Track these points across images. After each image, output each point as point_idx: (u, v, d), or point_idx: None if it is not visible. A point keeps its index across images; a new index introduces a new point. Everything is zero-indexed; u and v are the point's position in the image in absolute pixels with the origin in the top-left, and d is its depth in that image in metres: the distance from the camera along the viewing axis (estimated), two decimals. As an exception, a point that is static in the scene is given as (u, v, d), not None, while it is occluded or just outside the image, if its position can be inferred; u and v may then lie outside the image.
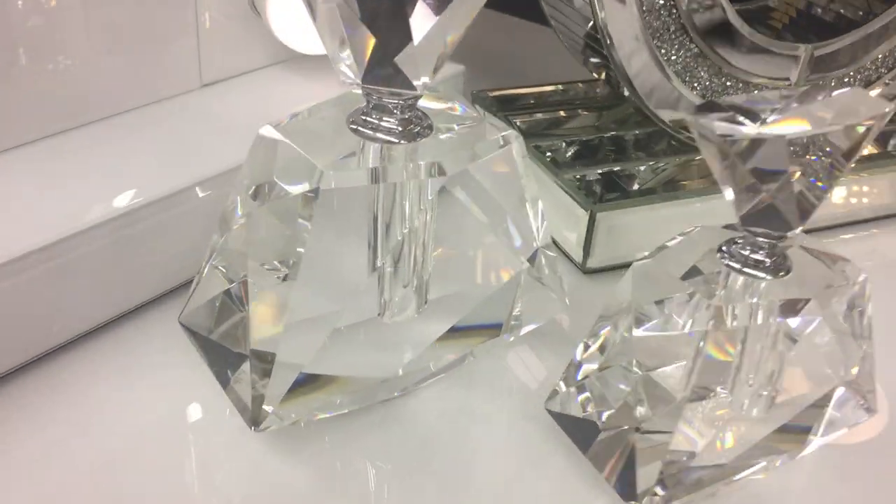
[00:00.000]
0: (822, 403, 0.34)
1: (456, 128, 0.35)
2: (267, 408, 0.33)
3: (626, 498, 0.33)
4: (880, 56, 0.51)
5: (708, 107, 0.29)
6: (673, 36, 0.46)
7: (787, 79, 0.49)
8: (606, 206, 0.44)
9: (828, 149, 0.29)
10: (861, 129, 0.29)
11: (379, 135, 0.33)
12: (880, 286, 0.37)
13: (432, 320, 0.37)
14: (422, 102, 0.35)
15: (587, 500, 0.34)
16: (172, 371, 0.38)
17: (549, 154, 0.49)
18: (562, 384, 0.36)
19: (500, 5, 0.67)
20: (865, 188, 0.52)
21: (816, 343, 0.33)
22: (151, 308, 0.42)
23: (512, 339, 0.40)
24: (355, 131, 0.33)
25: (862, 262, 0.35)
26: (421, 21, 0.30)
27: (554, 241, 0.39)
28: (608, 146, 0.51)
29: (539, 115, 0.54)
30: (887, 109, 0.29)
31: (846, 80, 0.51)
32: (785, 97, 0.30)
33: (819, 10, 0.53)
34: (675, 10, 0.45)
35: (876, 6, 0.50)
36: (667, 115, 0.48)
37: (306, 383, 0.34)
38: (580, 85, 0.58)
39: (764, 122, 0.29)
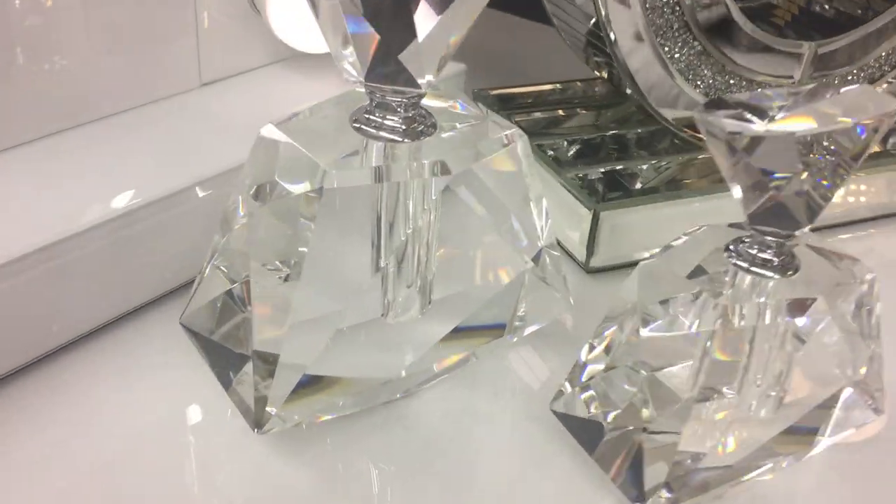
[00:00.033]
0: (829, 404, 0.34)
1: (459, 126, 0.35)
2: (270, 410, 0.33)
3: (632, 499, 0.33)
4: (884, 54, 0.51)
5: (715, 104, 0.29)
6: (676, 34, 0.46)
7: (791, 77, 0.49)
8: (610, 205, 0.44)
9: (835, 147, 0.29)
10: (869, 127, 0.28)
11: (382, 133, 0.33)
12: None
13: (436, 321, 0.37)
14: (424, 101, 0.35)
15: (592, 502, 0.34)
16: (173, 372, 0.38)
17: (550, 153, 0.49)
18: (567, 385, 0.36)
19: (500, 4, 0.67)
20: (863, 187, 0.52)
21: (825, 343, 0.33)
22: (152, 309, 0.41)
23: (515, 339, 0.40)
24: (358, 130, 0.33)
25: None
26: (425, 18, 0.30)
27: (556, 241, 0.39)
28: (610, 145, 0.51)
29: (537, 115, 0.54)
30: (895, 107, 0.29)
31: (849, 77, 0.51)
32: (793, 94, 0.30)
33: (821, 8, 0.53)
34: (678, 8, 0.45)
35: (877, 4, 0.50)
36: (670, 114, 0.48)
37: (309, 385, 0.34)
38: (578, 84, 0.58)
39: (772, 119, 0.28)
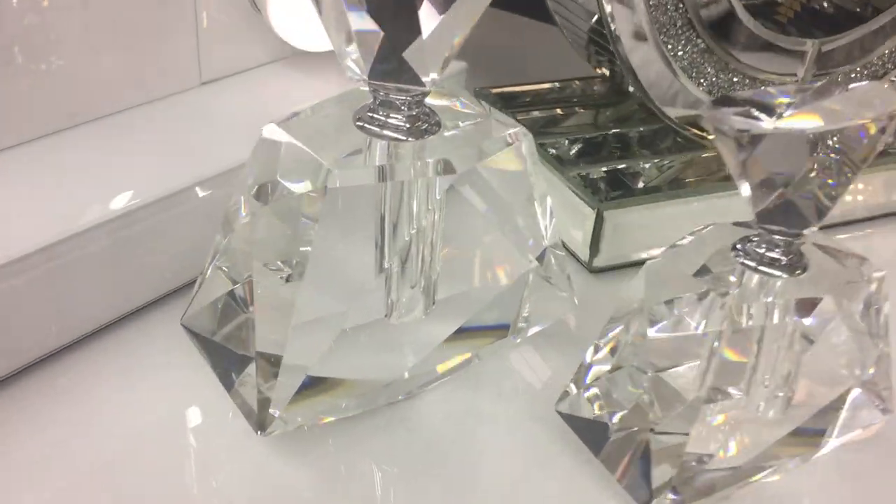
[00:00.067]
0: (837, 405, 0.34)
1: (462, 125, 0.35)
2: (273, 412, 0.33)
3: (639, 500, 0.32)
4: (887, 51, 0.50)
5: (724, 101, 0.29)
6: (679, 31, 0.45)
7: (794, 74, 0.49)
8: (614, 204, 0.44)
9: (843, 145, 0.28)
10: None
11: (386, 132, 0.32)
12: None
13: (439, 321, 0.37)
14: (426, 99, 0.34)
15: (597, 503, 0.33)
16: (174, 373, 0.38)
17: (551, 151, 0.49)
18: (572, 386, 0.35)
19: (501, 3, 0.67)
20: (860, 187, 0.51)
21: (833, 343, 0.32)
22: (153, 309, 0.41)
23: (519, 340, 0.39)
24: (362, 128, 0.33)
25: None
26: (429, 15, 0.29)
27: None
28: (612, 143, 0.51)
29: (536, 113, 0.54)
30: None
31: (853, 75, 0.51)
32: (801, 91, 0.30)
33: (823, 5, 0.53)
34: (681, 5, 0.45)
35: (878, 1, 0.49)
36: (673, 112, 0.47)
37: (312, 386, 0.33)
38: (577, 82, 0.57)
39: (780, 116, 0.28)
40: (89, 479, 0.33)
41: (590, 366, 0.35)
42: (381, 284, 0.35)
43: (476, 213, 0.36)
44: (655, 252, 0.45)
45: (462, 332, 0.37)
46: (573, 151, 0.50)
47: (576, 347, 0.39)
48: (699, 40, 0.46)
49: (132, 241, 0.38)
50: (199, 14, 0.47)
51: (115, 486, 0.33)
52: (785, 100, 0.29)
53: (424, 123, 0.33)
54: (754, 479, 0.33)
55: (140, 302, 0.40)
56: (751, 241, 0.32)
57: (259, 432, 0.33)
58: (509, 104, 0.54)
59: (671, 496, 0.32)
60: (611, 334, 0.35)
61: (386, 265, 0.34)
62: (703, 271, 0.32)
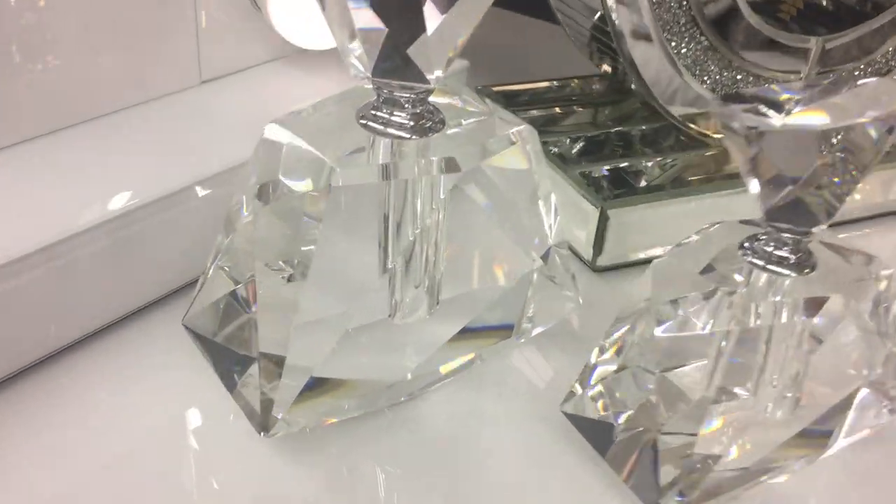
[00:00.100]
0: (845, 405, 0.34)
1: (465, 123, 0.34)
2: (276, 413, 0.32)
3: (646, 501, 0.32)
4: (891, 49, 0.50)
5: (732, 97, 0.28)
6: (683, 29, 0.45)
7: (798, 72, 0.48)
8: (617, 203, 0.44)
9: (850, 143, 0.28)
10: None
11: (390, 130, 0.32)
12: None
13: (443, 322, 0.36)
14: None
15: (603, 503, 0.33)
16: (176, 374, 0.37)
17: (553, 150, 0.48)
18: (577, 386, 0.35)
19: (502, 1, 0.66)
20: (858, 186, 0.51)
21: (842, 342, 0.32)
22: (154, 310, 0.41)
23: (523, 340, 0.39)
24: (365, 126, 0.32)
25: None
26: (434, 11, 0.29)
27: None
28: (615, 142, 0.51)
29: (535, 112, 0.53)
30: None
31: (856, 73, 0.50)
32: (809, 87, 0.29)
33: (825, 2, 0.52)
34: (685, 3, 0.45)
35: (882, -2, 0.49)
36: (676, 110, 0.47)
37: (315, 387, 0.33)
38: (575, 81, 0.57)
39: (789, 112, 0.28)
40: (90, 481, 0.33)
41: (595, 366, 0.35)
42: (384, 284, 0.34)
43: (480, 212, 0.35)
44: (658, 251, 0.45)
45: (466, 333, 0.37)
46: (575, 150, 0.50)
47: (579, 347, 0.39)
48: (703, 38, 0.46)
49: (132, 240, 0.38)
50: (199, 12, 0.46)
51: (116, 487, 0.32)
52: (794, 96, 0.29)
53: (428, 121, 0.33)
54: (761, 479, 0.33)
55: (141, 302, 0.40)
56: (758, 239, 0.32)
57: (262, 434, 0.33)
58: (509, 103, 0.54)
59: (678, 497, 0.31)
60: (616, 334, 0.34)
61: (389, 265, 0.34)
62: (710, 270, 0.32)
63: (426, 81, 0.31)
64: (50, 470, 0.33)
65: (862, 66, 0.50)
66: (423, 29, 0.29)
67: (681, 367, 0.32)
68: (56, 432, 0.34)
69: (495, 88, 0.55)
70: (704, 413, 0.31)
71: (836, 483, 0.35)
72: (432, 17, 0.29)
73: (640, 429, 0.33)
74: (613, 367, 0.34)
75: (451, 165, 0.32)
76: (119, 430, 0.35)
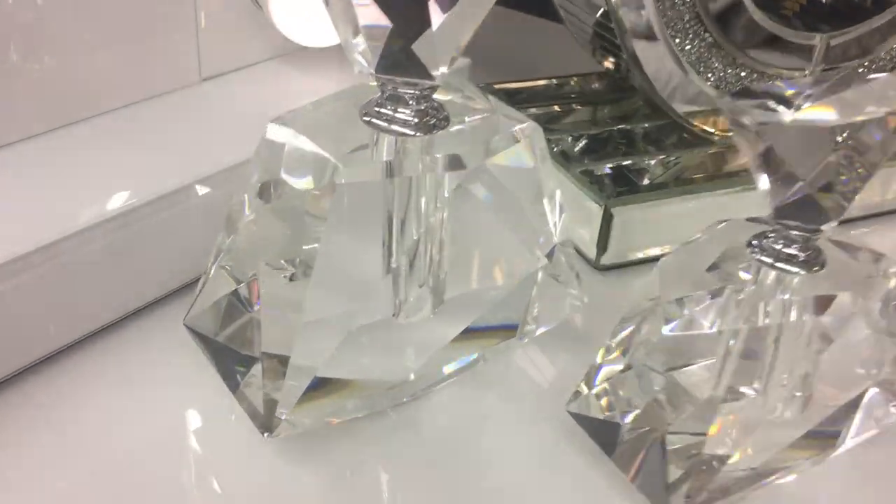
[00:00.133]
0: (853, 405, 0.33)
1: (468, 120, 0.34)
2: (280, 414, 0.32)
3: (653, 501, 0.32)
4: (895, 46, 0.50)
5: (741, 93, 0.28)
6: (687, 25, 0.45)
7: (802, 69, 0.48)
8: (622, 201, 0.43)
9: (864, 138, 0.28)
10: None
11: (394, 127, 0.32)
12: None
13: (446, 321, 0.36)
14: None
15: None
16: (177, 375, 0.37)
17: (555, 148, 0.48)
18: (583, 386, 0.35)
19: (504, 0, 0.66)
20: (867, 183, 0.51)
21: (851, 341, 0.32)
22: (155, 309, 0.40)
23: (526, 340, 0.39)
24: (369, 123, 0.32)
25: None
26: (438, 7, 0.29)
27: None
28: (617, 139, 0.50)
29: (533, 110, 0.53)
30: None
31: (860, 70, 0.50)
32: (818, 83, 0.29)
33: None
34: (689, -1, 0.44)
35: (884, -5, 0.49)
36: (680, 107, 0.47)
37: (319, 387, 0.33)
38: (574, 79, 0.57)
39: (798, 108, 0.28)
40: (90, 481, 0.32)
41: (601, 365, 0.34)
42: (388, 283, 0.34)
43: (485, 210, 0.35)
44: (661, 250, 0.44)
45: (469, 333, 0.37)
46: (577, 148, 0.49)
47: (582, 346, 0.39)
48: (707, 34, 0.45)
49: (132, 239, 0.38)
50: (199, 10, 0.46)
51: (117, 488, 0.32)
52: (803, 92, 0.28)
53: (433, 118, 0.32)
54: (769, 480, 0.33)
55: (141, 302, 0.40)
56: (767, 237, 0.31)
57: (266, 435, 0.32)
58: (509, 101, 0.53)
59: (686, 497, 0.31)
60: (622, 334, 0.34)
61: (393, 264, 0.34)
62: (717, 268, 0.32)
63: (431, 77, 0.31)
64: (50, 470, 0.33)
65: (866, 64, 0.50)
66: (428, 24, 0.29)
67: (688, 366, 0.32)
68: (56, 432, 0.34)
69: (497, 86, 0.55)
70: (713, 413, 0.31)
71: (845, 482, 0.35)
72: (437, 12, 0.29)
73: (647, 428, 0.32)
74: (620, 367, 0.34)
75: (455, 163, 0.32)
76: (120, 431, 0.34)
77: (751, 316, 0.30)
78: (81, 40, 0.41)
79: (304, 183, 0.32)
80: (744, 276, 0.31)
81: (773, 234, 0.31)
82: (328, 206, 0.31)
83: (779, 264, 0.31)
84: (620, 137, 0.51)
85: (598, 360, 0.34)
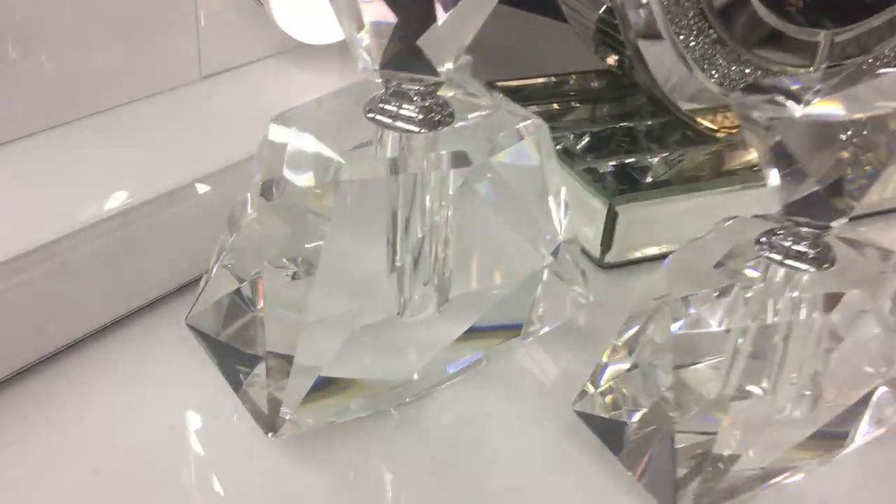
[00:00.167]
0: (862, 403, 0.33)
1: (471, 116, 0.34)
2: (284, 413, 0.32)
3: (661, 500, 0.31)
4: (900, 43, 0.50)
5: (750, 88, 0.28)
6: (691, 22, 0.45)
7: (807, 65, 0.48)
8: (626, 199, 0.43)
9: (875, 132, 0.27)
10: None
11: (398, 123, 0.31)
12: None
13: (450, 321, 0.36)
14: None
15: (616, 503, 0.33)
16: (179, 374, 0.37)
17: (557, 146, 0.48)
18: (589, 385, 0.34)
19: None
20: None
21: (861, 339, 0.31)
22: (156, 308, 0.40)
23: (530, 339, 0.38)
24: (373, 120, 0.32)
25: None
26: (443, 3, 0.28)
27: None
28: (620, 137, 0.50)
29: (533, 108, 0.53)
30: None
31: (864, 67, 0.50)
32: (827, 78, 0.29)
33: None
34: (693, -5, 0.44)
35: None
36: (684, 104, 0.47)
37: (323, 387, 0.33)
38: (574, 77, 0.56)
39: (808, 103, 0.27)
40: (92, 482, 0.32)
41: (607, 364, 0.34)
42: (392, 282, 0.34)
43: (489, 208, 0.35)
44: (664, 248, 0.44)
45: (473, 332, 0.36)
46: (580, 146, 0.49)
47: (586, 344, 0.39)
48: (711, 31, 0.45)
49: (132, 238, 0.38)
50: (200, 7, 0.46)
51: (118, 488, 0.32)
52: (812, 87, 0.28)
53: (438, 115, 0.32)
54: (778, 479, 0.32)
55: (142, 301, 0.40)
56: (776, 234, 0.31)
57: (270, 434, 0.32)
58: (516, 98, 0.53)
59: (694, 497, 0.31)
60: (629, 332, 0.34)
61: (398, 262, 0.33)
62: (726, 265, 0.31)
63: (436, 74, 0.30)
64: (52, 470, 0.33)
65: (870, 60, 0.50)
66: (433, 20, 0.28)
67: (696, 364, 0.31)
68: (57, 432, 0.34)
69: (503, 83, 0.54)
70: (720, 412, 0.31)
71: (854, 482, 0.34)
72: (443, 8, 0.28)
73: (654, 427, 0.32)
74: (626, 366, 0.33)
75: (460, 159, 0.32)
76: (121, 431, 0.34)
77: (759, 314, 0.30)
78: (81, 37, 0.41)
79: (306, 181, 0.32)
80: (752, 273, 0.31)
81: (782, 231, 0.31)
82: (331, 203, 0.30)
83: (788, 261, 0.30)
84: (623, 135, 0.50)
85: (604, 358, 0.34)
